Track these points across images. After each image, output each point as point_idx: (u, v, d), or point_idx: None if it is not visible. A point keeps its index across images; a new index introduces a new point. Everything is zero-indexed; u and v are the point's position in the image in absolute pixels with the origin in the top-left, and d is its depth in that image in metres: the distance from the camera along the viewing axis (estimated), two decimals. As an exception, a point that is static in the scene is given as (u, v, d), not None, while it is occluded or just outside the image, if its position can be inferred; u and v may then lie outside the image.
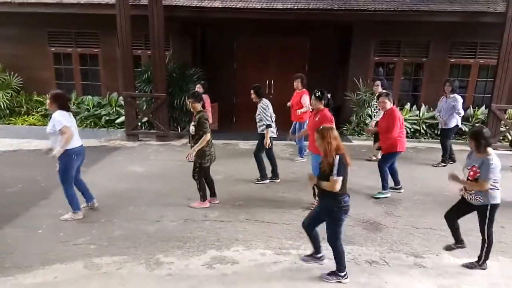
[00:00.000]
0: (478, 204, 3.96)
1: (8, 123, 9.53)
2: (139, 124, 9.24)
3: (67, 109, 4.90)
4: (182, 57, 9.92)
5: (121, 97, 9.51)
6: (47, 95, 9.78)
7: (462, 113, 7.42)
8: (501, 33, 8.37)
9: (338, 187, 3.56)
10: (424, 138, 9.36)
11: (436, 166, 7.54)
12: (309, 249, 4.25)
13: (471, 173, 3.91)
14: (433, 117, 9.46)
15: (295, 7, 8.94)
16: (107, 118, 9.51)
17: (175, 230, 4.78)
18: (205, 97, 7.65)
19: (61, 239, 4.53)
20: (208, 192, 5.54)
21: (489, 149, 3.85)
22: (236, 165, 7.29)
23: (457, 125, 7.56)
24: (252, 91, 6.27)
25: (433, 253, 4.38)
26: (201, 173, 5.34)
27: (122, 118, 9.34)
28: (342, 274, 3.83)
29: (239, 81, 10.69)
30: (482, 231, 4.04)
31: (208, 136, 5.11)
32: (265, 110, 6.12)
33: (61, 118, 4.70)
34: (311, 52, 10.56)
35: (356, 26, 9.65)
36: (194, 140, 5.18)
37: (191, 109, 5.27)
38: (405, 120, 9.27)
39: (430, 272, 4.03)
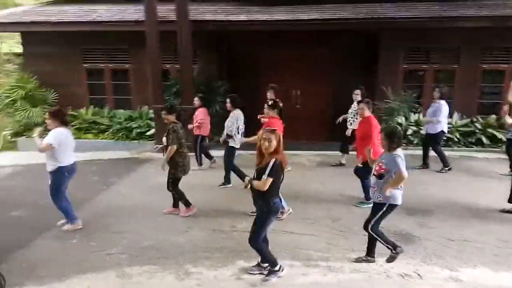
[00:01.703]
0: (377, 202, 4.05)
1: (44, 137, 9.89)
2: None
3: (67, 124, 5.06)
4: (209, 70, 10.08)
5: (151, 110, 9.74)
6: (81, 109, 10.23)
7: (442, 120, 7.38)
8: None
9: (266, 187, 3.65)
10: (458, 147, 9.06)
11: (441, 172, 7.45)
12: (338, 260, 4.18)
13: (377, 167, 4.08)
14: (466, 125, 9.20)
15: (320, 18, 8.93)
16: (138, 130, 9.74)
17: (203, 241, 4.81)
18: (203, 111, 7.77)
19: (93, 249, 4.65)
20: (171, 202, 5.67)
21: (399, 149, 4.02)
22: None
23: (442, 131, 7.52)
24: (228, 100, 6.61)
25: (469, 266, 4.20)
26: (175, 184, 5.44)
27: (152, 131, 9.55)
28: (277, 268, 3.92)
29: (264, 92, 10.71)
30: (366, 226, 4.11)
31: (174, 147, 5.18)
32: (234, 121, 6.43)
33: (52, 137, 4.80)
34: (337, 61, 10.49)
35: (383, 34, 9.52)
36: (166, 151, 5.30)
37: (165, 121, 5.46)
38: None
39: (467, 286, 3.87)
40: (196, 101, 7.90)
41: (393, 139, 3.99)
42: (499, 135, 8.87)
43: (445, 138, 9.03)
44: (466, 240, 4.77)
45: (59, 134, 4.87)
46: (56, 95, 10.32)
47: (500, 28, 8.78)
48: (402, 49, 9.68)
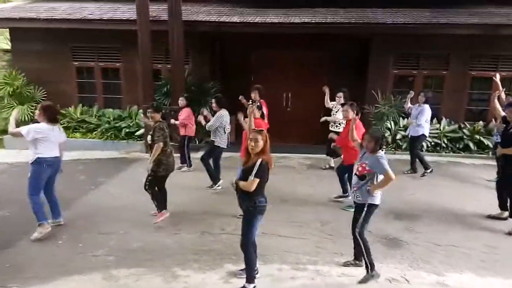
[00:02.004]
0: (358, 202, 4.08)
1: (32, 135, 9.76)
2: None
3: (54, 121, 4.97)
4: (201, 71, 10.05)
5: (141, 110, 9.67)
6: (70, 108, 10.11)
7: (422, 124, 7.50)
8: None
9: (253, 187, 3.65)
10: (445, 152, 9.17)
11: (423, 176, 7.55)
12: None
13: (360, 168, 4.08)
14: (454, 131, 9.31)
15: (313, 21, 8.97)
16: (127, 130, 9.65)
17: (192, 243, 4.79)
18: (187, 110, 7.77)
19: (80, 250, 4.59)
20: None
21: (381, 151, 4.06)
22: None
23: (423, 135, 7.65)
24: (213, 100, 6.70)
25: (455, 271, 4.25)
26: (153, 183, 5.30)
27: (141, 131, 9.48)
28: (252, 286, 3.83)
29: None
30: (353, 229, 4.09)
31: (160, 144, 5.13)
32: (218, 119, 6.50)
33: (26, 128, 4.77)
34: (328, 65, 10.54)
35: (374, 39, 9.61)
36: (151, 149, 5.26)
37: (150, 119, 5.46)
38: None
39: (453, 291, 3.91)
40: (181, 101, 7.87)
41: (379, 142, 4.02)
42: (486, 141, 9.00)
43: (431, 143, 9.17)
44: (453, 246, 4.82)
45: (35, 129, 4.79)
46: (44, 92, 10.18)
47: (490, 36, 8.91)
48: (393, 54, 9.77)
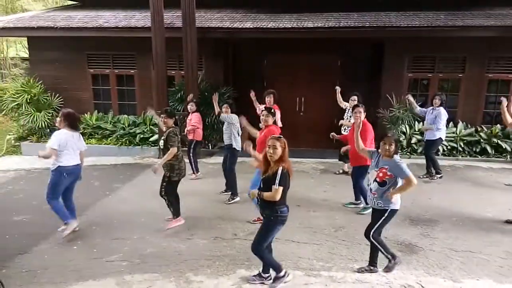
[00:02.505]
0: (379, 208, 4.02)
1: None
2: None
3: (75, 128, 5.09)
4: (214, 76, 10.11)
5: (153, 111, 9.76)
6: (86, 114, 10.27)
7: (441, 128, 7.41)
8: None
9: (278, 196, 3.58)
10: (462, 156, 9.01)
11: (431, 179, 7.52)
12: (340, 270, 4.15)
13: (380, 174, 4.02)
14: (471, 135, 9.15)
15: (326, 26, 8.94)
16: (142, 136, 9.76)
17: (205, 248, 4.79)
18: (197, 115, 7.80)
19: (95, 255, 4.63)
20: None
21: (397, 155, 4.06)
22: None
23: (440, 138, 7.55)
24: (227, 106, 6.72)
25: (473, 278, 4.14)
26: (169, 188, 5.32)
27: (156, 136, 9.56)
28: (282, 274, 3.89)
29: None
30: (368, 232, 4.08)
31: (175, 149, 5.14)
32: (236, 122, 6.54)
33: (55, 139, 4.87)
34: (341, 69, 10.49)
35: (388, 43, 9.52)
36: (163, 154, 5.26)
37: (164, 125, 5.42)
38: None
39: (471, 299, 3.81)
40: (191, 106, 7.91)
41: (397, 145, 4.02)
42: (504, 145, 8.81)
43: (448, 147, 9.02)
44: (470, 251, 4.71)
45: (59, 136, 4.91)
46: (61, 100, 10.38)
47: (507, 37, 8.75)
48: (407, 57, 9.67)
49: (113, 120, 10.19)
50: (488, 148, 8.95)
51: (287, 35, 9.12)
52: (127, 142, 9.75)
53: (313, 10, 10.03)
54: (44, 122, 9.92)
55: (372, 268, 4.22)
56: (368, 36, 9.13)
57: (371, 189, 4.14)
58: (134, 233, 5.21)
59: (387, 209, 4.00)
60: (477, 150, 9.06)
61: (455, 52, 9.46)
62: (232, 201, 6.38)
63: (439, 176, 7.50)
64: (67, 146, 4.94)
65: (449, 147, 9.07)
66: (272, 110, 5.51)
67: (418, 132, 9.22)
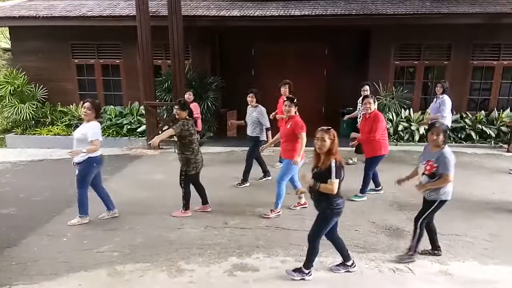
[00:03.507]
0: (430, 199, 4.08)
1: (34, 134, 9.81)
2: (160, 132, 9.36)
3: (100, 117, 5.25)
4: (201, 66, 10.05)
5: (142, 107, 9.68)
6: (71, 105, 10.13)
7: (447, 115, 7.34)
8: (525, 34, 8.15)
9: (335, 189, 3.57)
10: (448, 142, 9.13)
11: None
12: (330, 256, 4.21)
13: (428, 167, 3.99)
14: (456, 121, 9.28)
15: (313, 13, 8.92)
16: (129, 127, 9.68)
17: (196, 237, 4.80)
18: (196, 105, 7.79)
19: (85, 246, 4.61)
20: (195, 200, 5.55)
21: (447, 146, 4.02)
22: (256, 172, 7.27)
23: (447, 125, 7.48)
24: (252, 95, 6.55)
25: (459, 260, 4.25)
26: (187, 181, 5.35)
27: (143, 127, 9.50)
28: (307, 271, 3.88)
29: (257, 88, 10.69)
30: (416, 220, 4.16)
31: (171, 132, 5.08)
32: (265, 115, 6.53)
33: (99, 131, 5.02)
34: (329, 57, 10.52)
35: (375, 30, 9.57)
36: (178, 147, 5.25)
37: (177, 116, 5.34)
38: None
39: (457, 280, 3.91)
40: (189, 95, 7.85)
41: (445, 135, 3.98)
42: (488, 131, 8.99)
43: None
44: (456, 234, 4.82)
45: (98, 126, 5.04)
46: (45, 91, 10.20)
47: (491, 25, 8.86)
48: (393, 45, 9.73)
49: (100, 111, 10.06)
50: (473, 134, 9.13)
51: (274, 23, 9.09)
52: (114, 133, 9.66)
53: (300, -2, 10.00)
54: (29, 114, 9.76)
55: (436, 251, 4.31)
56: (354, 23, 9.16)
57: (420, 182, 4.13)
58: (124, 224, 5.20)
59: (437, 200, 4.04)
60: (462, 136, 9.22)
61: (441, 39, 9.56)
62: (243, 185, 6.58)
63: None
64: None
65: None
66: (295, 100, 5.34)
67: (404, 120, 9.33)
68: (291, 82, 7.17)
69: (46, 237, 4.86)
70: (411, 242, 4.22)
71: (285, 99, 5.62)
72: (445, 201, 4.06)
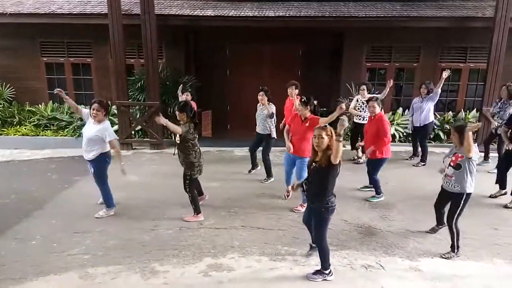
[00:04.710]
0: (455, 192, 4.30)
1: (0, 134, 9.47)
2: (133, 132, 9.22)
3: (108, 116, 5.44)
4: (175, 65, 9.96)
5: (114, 106, 9.50)
6: (39, 105, 9.83)
7: (431, 110, 7.73)
8: (490, 38, 8.47)
9: (338, 157, 3.59)
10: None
11: (416, 166, 7.78)
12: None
13: (453, 158, 4.31)
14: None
15: (287, 15, 9.01)
16: (101, 127, 9.45)
17: (170, 239, 4.76)
18: (194, 104, 7.69)
19: (55, 249, 4.49)
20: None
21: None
22: (231, 172, 7.29)
23: (432, 121, 7.93)
24: (263, 93, 6.63)
25: (428, 256, 4.40)
26: (192, 185, 5.27)
27: (115, 127, 9.30)
28: (327, 271, 3.94)
29: (232, 88, 10.73)
30: (450, 220, 4.34)
31: (179, 129, 4.85)
32: (274, 112, 6.70)
33: (113, 132, 5.20)
34: (304, 58, 10.63)
35: (347, 33, 9.74)
36: (179, 148, 5.10)
37: (178, 119, 5.12)
38: (398, 124, 9.40)
39: (426, 276, 4.04)
40: (186, 95, 7.71)
41: (464, 133, 4.12)
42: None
43: (403, 133, 9.38)
44: (426, 232, 4.97)
45: (110, 125, 5.27)
46: (13, 90, 9.88)
47: (458, 28, 9.18)
48: (365, 47, 9.94)
49: (70, 111, 9.82)
50: (441, 134, 9.42)
51: (248, 23, 9.11)
52: (86, 133, 9.41)
53: (274, -1, 10.07)
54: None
55: (456, 253, 4.39)
56: (327, 25, 9.30)
57: (446, 174, 4.38)
58: (96, 226, 5.09)
59: (463, 193, 4.24)
60: (431, 136, 9.49)
61: (410, 42, 9.83)
62: (269, 181, 6.76)
63: (422, 163, 7.80)
64: None
65: (404, 134, 9.44)
66: (304, 100, 5.30)
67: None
68: (297, 83, 7.22)
69: (14, 240, 4.70)
70: (451, 241, 4.38)
71: (298, 102, 5.67)
72: (470, 194, 4.28)
